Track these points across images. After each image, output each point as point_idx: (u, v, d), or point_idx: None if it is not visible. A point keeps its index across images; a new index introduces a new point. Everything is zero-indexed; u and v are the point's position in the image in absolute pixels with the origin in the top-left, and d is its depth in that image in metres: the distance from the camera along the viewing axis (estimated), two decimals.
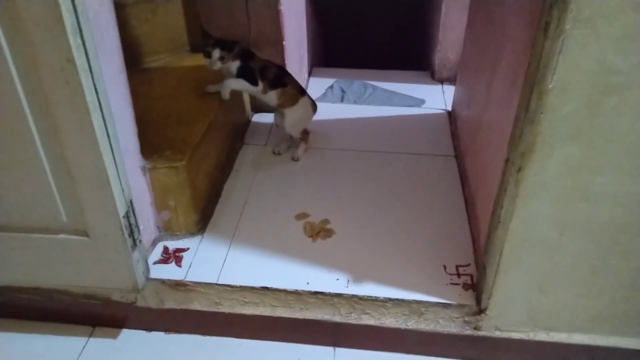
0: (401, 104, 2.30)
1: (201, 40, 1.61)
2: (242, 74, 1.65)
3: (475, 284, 1.35)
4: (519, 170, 1.03)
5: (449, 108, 2.22)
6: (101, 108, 1.08)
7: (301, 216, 1.61)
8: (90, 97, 1.04)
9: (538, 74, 0.94)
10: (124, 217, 1.20)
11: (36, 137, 1.09)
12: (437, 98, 2.37)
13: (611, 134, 0.97)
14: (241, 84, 1.67)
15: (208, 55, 1.58)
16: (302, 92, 1.80)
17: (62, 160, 1.11)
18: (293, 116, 1.79)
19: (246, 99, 2.06)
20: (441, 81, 2.52)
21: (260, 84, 1.68)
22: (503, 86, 1.26)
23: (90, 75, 1.04)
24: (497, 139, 1.26)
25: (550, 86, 0.93)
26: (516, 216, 1.08)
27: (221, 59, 1.58)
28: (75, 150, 1.10)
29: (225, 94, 1.66)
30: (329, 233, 1.55)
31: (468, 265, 1.43)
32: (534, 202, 1.06)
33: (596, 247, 1.10)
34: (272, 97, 1.73)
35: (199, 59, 1.85)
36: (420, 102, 2.33)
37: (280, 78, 1.73)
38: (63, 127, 1.07)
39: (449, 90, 2.37)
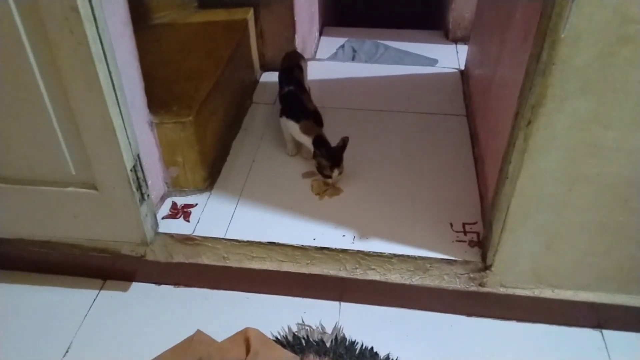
0: (413, 64, 2.25)
1: (312, 157, 1.55)
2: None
3: (482, 241, 1.34)
4: (529, 124, 1.01)
5: (462, 68, 2.17)
6: (106, 59, 1.07)
7: (309, 174, 1.60)
8: (95, 47, 1.03)
9: (551, 23, 0.90)
10: (131, 170, 1.20)
11: (42, 89, 1.09)
12: (450, 58, 2.32)
13: (624, 87, 0.94)
14: None
15: (328, 177, 1.52)
16: None
17: (69, 112, 1.12)
18: None
19: (255, 58, 2.04)
20: (455, 41, 2.47)
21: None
22: (516, 40, 1.23)
23: (94, 25, 1.03)
24: (508, 95, 1.23)
25: (563, 35, 0.90)
26: (524, 171, 1.06)
27: (340, 173, 1.54)
28: (81, 102, 1.09)
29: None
30: (336, 191, 1.55)
31: (475, 223, 1.42)
32: (542, 157, 1.04)
33: (605, 204, 1.09)
34: None
35: (206, 15, 1.83)
36: (433, 62, 2.29)
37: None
38: (69, 79, 1.07)
39: (463, 50, 2.32)
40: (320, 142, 1.54)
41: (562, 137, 1.01)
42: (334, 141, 1.53)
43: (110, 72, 1.09)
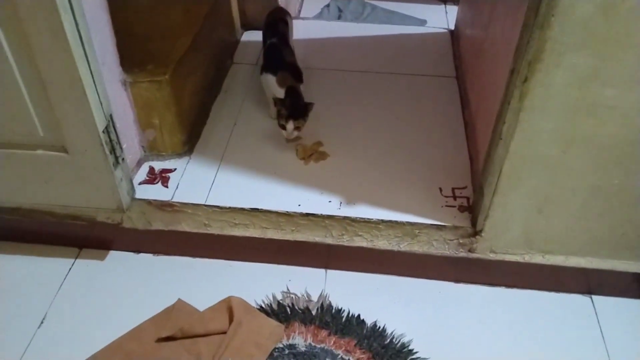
0: (401, 24, 2.18)
1: (274, 105, 1.48)
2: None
3: (472, 206, 1.31)
4: (525, 81, 0.96)
5: (452, 28, 2.10)
6: (72, 9, 0.99)
7: (293, 138, 1.54)
8: None
9: None
10: (103, 132, 1.14)
11: (3, 41, 1.01)
12: (439, 18, 2.25)
13: (625, 41, 0.89)
14: None
15: (283, 128, 1.44)
16: None
17: (34, 68, 1.04)
18: None
19: (235, 16, 1.95)
20: (444, 1, 2.39)
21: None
22: None
23: None
24: (502, 53, 1.18)
25: None
26: (519, 132, 1.02)
27: (296, 128, 1.45)
28: (46, 56, 1.02)
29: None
30: (322, 156, 1.49)
31: (465, 187, 1.38)
32: (538, 116, 0.99)
33: (599, 167, 1.05)
34: None
35: None
36: (421, 23, 2.22)
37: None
38: (31, 30, 0.99)
39: (452, 11, 2.25)
40: (290, 92, 1.48)
41: (559, 95, 0.96)
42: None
43: (77, 24, 1.01)
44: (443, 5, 2.36)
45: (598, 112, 0.98)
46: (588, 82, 0.94)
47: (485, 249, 1.23)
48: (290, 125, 1.43)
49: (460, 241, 1.24)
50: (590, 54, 0.91)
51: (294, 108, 1.44)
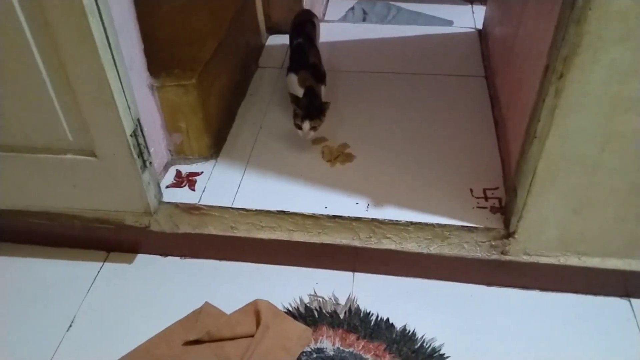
0: (427, 25, 2.15)
1: (290, 103, 1.47)
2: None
3: (504, 207, 1.27)
4: (560, 77, 0.92)
5: (480, 28, 2.06)
6: (100, 14, 1.00)
7: (319, 140, 1.53)
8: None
9: None
10: (131, 136, 1.14)
11: (33, 46, 1.02)
12: (466, 19, 2.21)
13: None
14: None
15: (299, 127, 1.43)
16: None
17: (63, 73, 1.05)
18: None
19: (261, 20, 1.95)
20: (471, 1, 2.36)
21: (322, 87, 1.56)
22: None
23: None
24: (534, 50, 1.14)
25: None
26: (554, 130, 0.99)
27: (312, 128, 1.43)
28: (74, 61, 1.02)
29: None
30: (348, 157, 1.48)
31: (497, 188, 1.35)
32: (574, 114, 0.96)
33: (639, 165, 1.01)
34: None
35: None
36: (448, 24, 2.19)
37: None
38: (60, 34, 0.99)
39: (479, 11, 2.21)
40: (308, 93, 1.46)
41: (596, 92, 0.93)
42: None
43: (105, 29, 1.01)
44: (470, 6, 2.32)
45: (638, 109, 0.94)
46: (627, 77, 0.91)
47: (519, 251, 1.19)
48: (306, 126, 1.41)
49: (493, 243, 1.21)
50: (629, 48, 0.87)
51: (310, 108, 1.42)
